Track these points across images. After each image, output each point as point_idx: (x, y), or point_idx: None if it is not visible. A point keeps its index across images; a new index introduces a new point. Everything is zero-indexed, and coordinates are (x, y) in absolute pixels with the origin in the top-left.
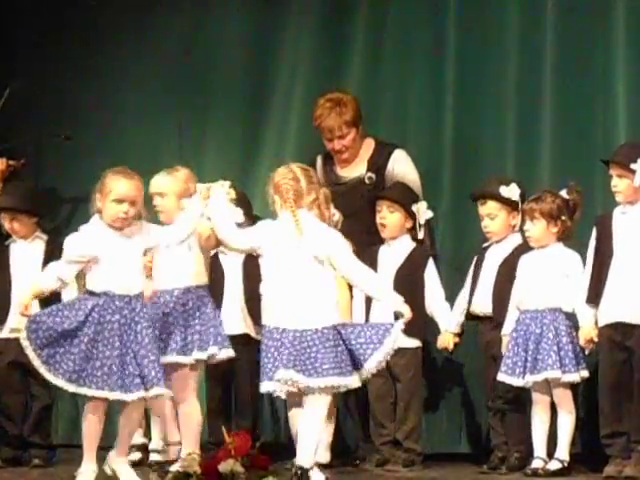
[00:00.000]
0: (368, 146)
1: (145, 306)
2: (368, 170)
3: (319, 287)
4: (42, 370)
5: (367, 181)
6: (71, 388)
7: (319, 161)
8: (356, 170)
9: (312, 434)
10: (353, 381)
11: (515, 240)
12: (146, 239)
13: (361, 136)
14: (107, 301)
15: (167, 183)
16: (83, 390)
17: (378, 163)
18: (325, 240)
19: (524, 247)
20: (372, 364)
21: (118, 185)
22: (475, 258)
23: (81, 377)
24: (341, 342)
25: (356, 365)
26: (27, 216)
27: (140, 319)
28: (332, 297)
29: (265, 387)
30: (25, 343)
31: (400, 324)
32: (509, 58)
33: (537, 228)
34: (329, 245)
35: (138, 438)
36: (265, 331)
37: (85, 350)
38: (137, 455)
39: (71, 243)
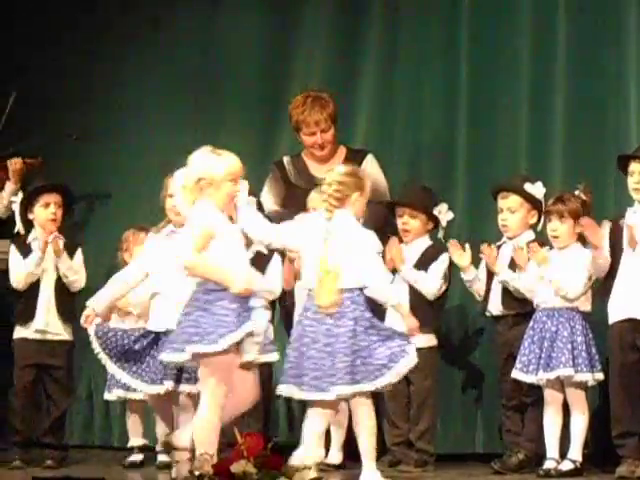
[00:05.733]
0: (340, 151)
1: None
2: None
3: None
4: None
5: None
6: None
7: (287, 161)
8: None
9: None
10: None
11: (528, 237)
12: None
13: (335, 141)
14: None
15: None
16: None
17: (354, 164)
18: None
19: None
20: (381, 384)
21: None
22: None
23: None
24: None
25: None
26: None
27: None
28: None
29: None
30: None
31: (413, 347)
32: (522, 58)
33: (565, 228)
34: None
35: (139, 439)
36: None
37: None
38: (139, 456)
39: None
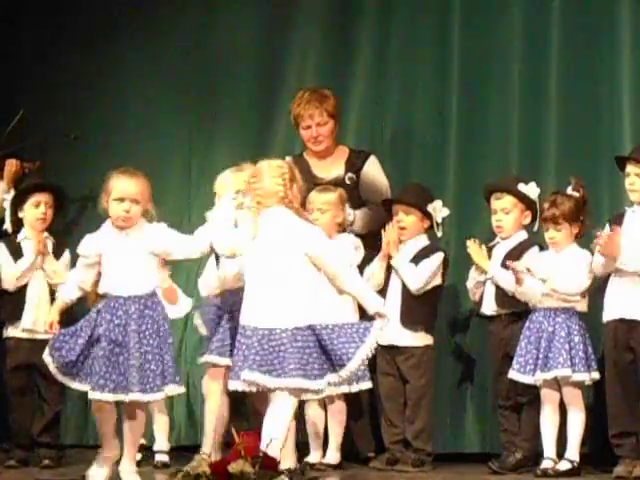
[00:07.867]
0: (342, 151)
1: (148, 308)
2: (347, 171)
3: (291, 285)
4: (66, 381)
5: (348, 181)
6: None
7: (288, 161)
8: (333, 171)
9: (275, 433)
10: (318, 385)
11: (521, 236)
12: (150, 242)
13: (335, 138)
14: (106, 303)
15: (231, 181)
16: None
17: (356, 165)
18: (301, 237)
19: (528, 242)
20: (355, 363)
21: (118, 184)
22: None
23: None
24: (312, 344)
25: (334, 366)
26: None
27: (132, 322)
28: (305, 296)
29: (233, 385)
30: (47, 359)
31: (379, 323)
32: (514, 56)
33: (562, 234)
34: (306, 242)
35: None
36: (239, 328)
37: (89, 351)
38: (137, 456)
39: (81, 245)
